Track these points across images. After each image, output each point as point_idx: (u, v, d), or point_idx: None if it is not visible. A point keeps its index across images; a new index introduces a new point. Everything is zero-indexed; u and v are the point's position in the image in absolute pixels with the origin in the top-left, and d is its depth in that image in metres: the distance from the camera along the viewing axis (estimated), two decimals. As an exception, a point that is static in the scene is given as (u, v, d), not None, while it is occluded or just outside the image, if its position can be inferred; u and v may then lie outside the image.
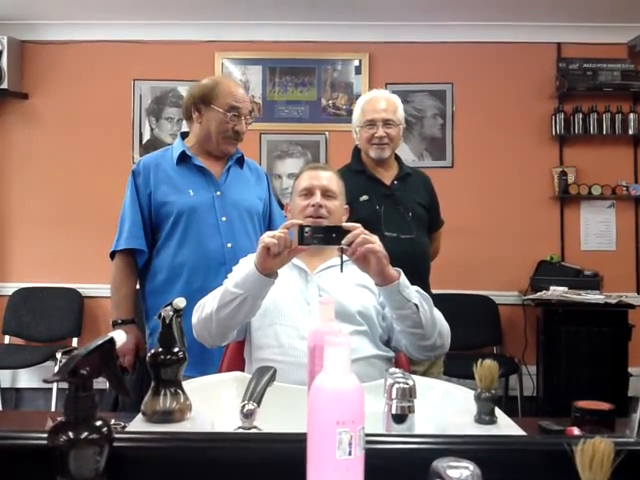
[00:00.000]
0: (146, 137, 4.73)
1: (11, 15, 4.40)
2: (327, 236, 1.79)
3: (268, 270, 1.83)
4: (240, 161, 2.64)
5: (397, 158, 2.98)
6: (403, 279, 1.83)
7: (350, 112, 4.66)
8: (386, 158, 2.88)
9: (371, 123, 2.86)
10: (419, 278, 2.70)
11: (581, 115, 4.55)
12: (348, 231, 1.78)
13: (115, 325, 2.51)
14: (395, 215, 2.80)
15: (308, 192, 2.08)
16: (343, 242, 1.77)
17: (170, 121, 4.74)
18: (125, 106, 4.73)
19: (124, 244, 2.50)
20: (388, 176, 2.90)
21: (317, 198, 2.04)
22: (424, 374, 2.45)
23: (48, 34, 4.66)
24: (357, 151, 2.98)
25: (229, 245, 2.46)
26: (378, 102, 2.90)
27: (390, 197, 2.83)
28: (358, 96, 4.63)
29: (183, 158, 2.54)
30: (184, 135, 2.63)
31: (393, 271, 1.82)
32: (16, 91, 4.61)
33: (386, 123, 2.85)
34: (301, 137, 4.74)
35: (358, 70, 4.70)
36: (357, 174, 2.87)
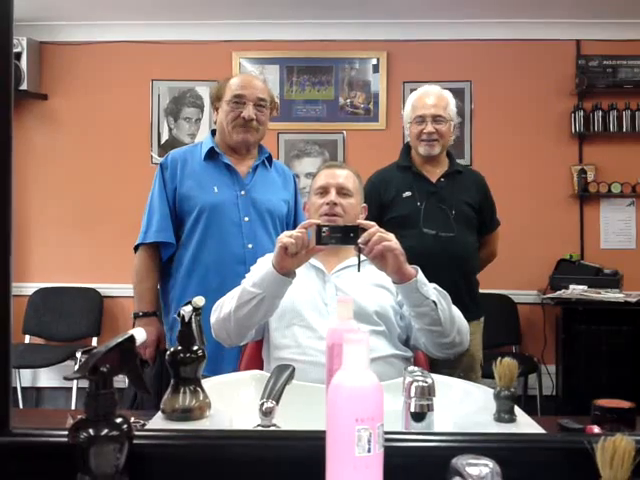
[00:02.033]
0: (164, 137, 4.74)
1: (30, 16, 4.42)
2: (345, 235, 1.79)
3: (286, 270, 1.84)
4: (268, 161, 2.63)
5: (449, 155, 2.91)
6: (421, 276, 1.83)
7: (368, 111, 4.70)
8: (435, 155, 2.81)
9: (420, 119, 2.80)
10: (463, 278, 2.69)
11: (601, 112, 4.50)
12: (366, 230, 1.78)
13: (137, 317, 2.51)
14: (437, 212, 2.74)
15: (324, 190, 2.08)
16: (359, 241, 1.77)
17: (188, 121, 4.75)
18: (143, 106, 4.75)
19: (153, 237, 2.49)
20: (436, 173, 2.83)
21: (332, 196, 2.04)
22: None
23: (67, 35, 4.68)
24: (407, 147, 2.91)
25: (250, 246, 2.45)
26: (428, 97, 2.84)
27: (435, 194, 2.77)
28: (376, 94, 4.65)
29: (211, 155, 2.55)
30: (214, 133, 2.64)
31: (410, 268, 1.82)
32: (35, 92, 4.64)
33: (435, 119, 2.78)
34: (319, 136, 4.73)
35: (376, 68, 4.69)
36: (403, 170, 2.83)
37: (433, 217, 2.73)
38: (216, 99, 2.58)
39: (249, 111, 2.48)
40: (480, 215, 2.87)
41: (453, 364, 2.25)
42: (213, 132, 2.65)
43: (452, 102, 2.88)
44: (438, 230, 2.70)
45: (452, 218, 2.74)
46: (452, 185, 2.82)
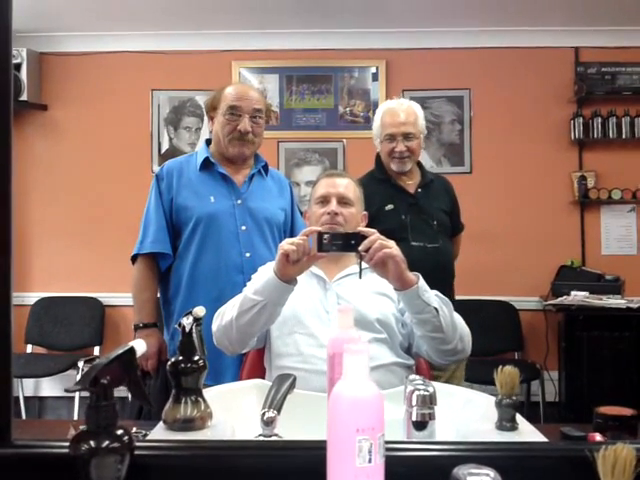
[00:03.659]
0: (165, 147, 4.75)
1: (30, 27, 4.43)
2: (346, 243, 1.79)
3: (287, 277, 1.84)
4: (264, 169, 2.62)
5: (419, 164, 2.94)
6: (422, 283, 1.82)
7: (367, 119, 4.69)
8: (407, 170, 2.84)
9: (391, 137, 2.81)
10: (447, 286, 2.70)
11: (600, 119, 4.51)
12: (366, 237, 1.78)
13: (137, 329, 2.50)
14: (421, 224, 2.77)
15: (324, 200, 2.07)
16: (360, 248, 1.77)
17: (188, 130, 4.76)
18: (144, 116, 4.76)
19: (149, 248, 2.49)
20: (412, 184, 2.86)
21: (333, 206, 2.04)
22: (447, 381, 2.44)
23: (66, 46, 4.70)
24: (380, 158, 2.92)
25: (247, 254, 2.45)
26: (397, 115, 2.84)
27: (415, 206, 2.80)
28: (375, 103, 4.65)
29: (207, 165, 2.54)
30: (209, 142, 2.63)
31: (412, 275, 1.81)
32: (35, 103, 4.65)
33: (406, 137, 2.79)
34: (319, 145, 4.74)
35: (375, 77, 4.69)
36: (381, 182, 2.84)
37: (419, 229, 2.76)
38: (211, 109, 2.58)
39: (245, 124, 2.48)
40: (451, 220, 2.93)
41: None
42: (208, 141, 2.64)
43: (421, 115, 2.89)
44: (425, 242, 2.74)
45: (435, 228, 2.79)
46: (429, 195, 2.86)
